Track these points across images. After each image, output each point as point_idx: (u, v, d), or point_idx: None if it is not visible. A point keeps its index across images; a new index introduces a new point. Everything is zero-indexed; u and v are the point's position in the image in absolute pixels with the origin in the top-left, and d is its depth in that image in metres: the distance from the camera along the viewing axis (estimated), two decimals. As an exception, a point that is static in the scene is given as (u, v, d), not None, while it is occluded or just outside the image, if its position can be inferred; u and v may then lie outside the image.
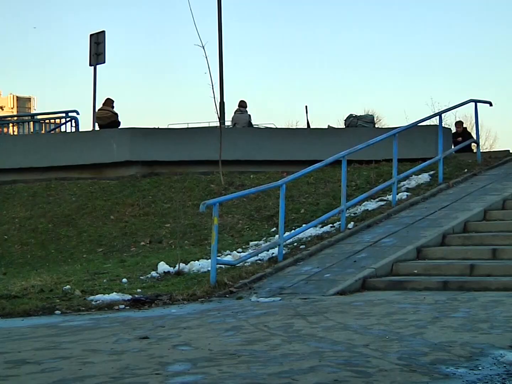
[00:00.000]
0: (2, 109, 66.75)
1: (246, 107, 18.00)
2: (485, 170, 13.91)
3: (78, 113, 20.85)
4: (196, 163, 16.00)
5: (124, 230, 13.35)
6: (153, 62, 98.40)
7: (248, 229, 12.49)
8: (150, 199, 14.48)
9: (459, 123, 19.58)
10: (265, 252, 10.37)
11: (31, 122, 23.55)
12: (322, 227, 11.46)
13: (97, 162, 16.33)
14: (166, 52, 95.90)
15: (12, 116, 35.34)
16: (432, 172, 13.76)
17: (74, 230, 13.70)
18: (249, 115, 17.96)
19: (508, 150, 17.01)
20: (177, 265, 9.97)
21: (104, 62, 20.14)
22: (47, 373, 5.13)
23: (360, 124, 17.56)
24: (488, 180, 13.07)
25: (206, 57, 14.98)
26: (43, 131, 22.50)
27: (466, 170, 13.94)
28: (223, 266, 9.74)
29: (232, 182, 14.76)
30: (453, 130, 19.24)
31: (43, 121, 23.40)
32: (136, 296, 8.62)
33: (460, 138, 18.04)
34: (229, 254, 10.55)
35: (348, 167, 12.21)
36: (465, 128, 19.96)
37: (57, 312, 8.10)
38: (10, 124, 23.90)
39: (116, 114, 18.21)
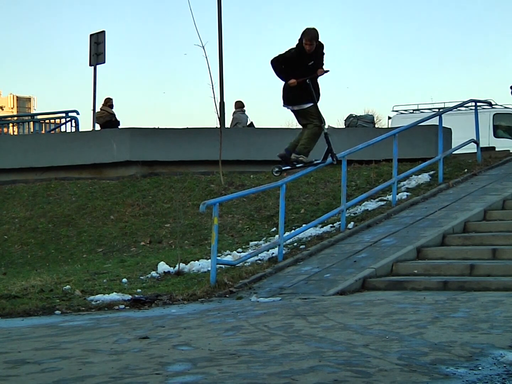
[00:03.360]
0: (2, 109, 66.75)
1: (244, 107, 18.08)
2: (485, 170, 13.90)
3: (78, 113, 20.89)
4: (196, 163, 15.99)
5: (124, 230, 13.35)
6: (153, 62, 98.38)
7: (248, 229, 12.49)
8: (150, 199, 14.48)
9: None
10: (265, 252, 10.37)
11: (31, 122, 23.56)
12: (322, 227, 11.46)
13: (97, 162, 16.33)
14: (166, 52, 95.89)
15: (12, 116, 35.35)
16: (432, 172, 13.76)
17: (74, 230, 13.70)
18: (247, 116, 18.00)
19: (508, 150, 17.02)
20: (177, 265, 9.97)
21: (104, 62, 20.15)
22: (47, 373, 5.13)
23: (360, 124, 17.56)
24: (488, 180, 13.06)
25: (206, 57, 14.98)
26: (43, 131, 22.50)
27: (466, 170, 13.94)
28: (223, 266, 9.74)
29: (232, 182, 14.76)
30: None
31: (43, 121, 23.40)
32: (136, 296, 8.62)
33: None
34: (229, 254, 10.55)
35: (348, 167, 12.21)
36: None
37: (57, 312, 8.11)
38: (10, 124, 23.92)
39: (112, 114, 18.24)
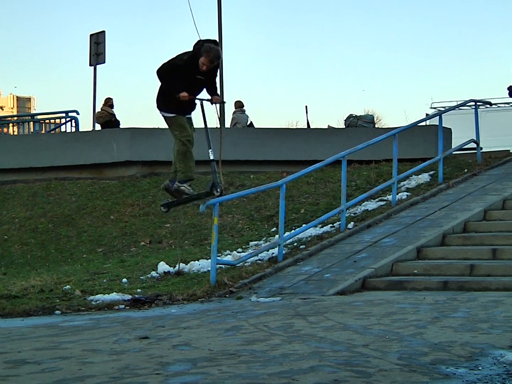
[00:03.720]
0: (2, 109, 66.75)
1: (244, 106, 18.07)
2: (485, 170, 13.91)
3: (78, 113, 20.90)
4: (196, 163, 15.94)
5: (124, 230, 13.35)
6: (153, 62, 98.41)
7: (248, 229, 12.49)
8: (150, 199, 14.48)
9: None
10: (265, 252, 10.37)
11: (31, 122, 23.56)
12: (322, 227, 11.46)
13: (97, 162, 16.33)
14: (166, 52, 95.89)
15: (12, 116, 35.34)
16: (432, 172, 13.76)
17: (74, 230, 13.70)
18: (247, 115, 17.99)
19: (508, 150, 17.00)
20: (177, 265, 9.97)
21: (104, 62, 20.14)
22: (47, 373, 5.13)
23: (360, 124, 17.55)
24: (488, 180, 13.06)
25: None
26: (43, 131, 22.50)
27: (466, 170, 13.95)
28: (223, 266, 9.74)
29: (232, 182, 14.76)
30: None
31: (43, 121, 23.41)
32: (136, 296, 8.62)
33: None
34: (229, 254, 10.55)
35: (348, 167, 12.21)
36: None
37: (57, 312, 8.11)
38: (10, 124, 23.92)
39: (112, 114, 18.25)
